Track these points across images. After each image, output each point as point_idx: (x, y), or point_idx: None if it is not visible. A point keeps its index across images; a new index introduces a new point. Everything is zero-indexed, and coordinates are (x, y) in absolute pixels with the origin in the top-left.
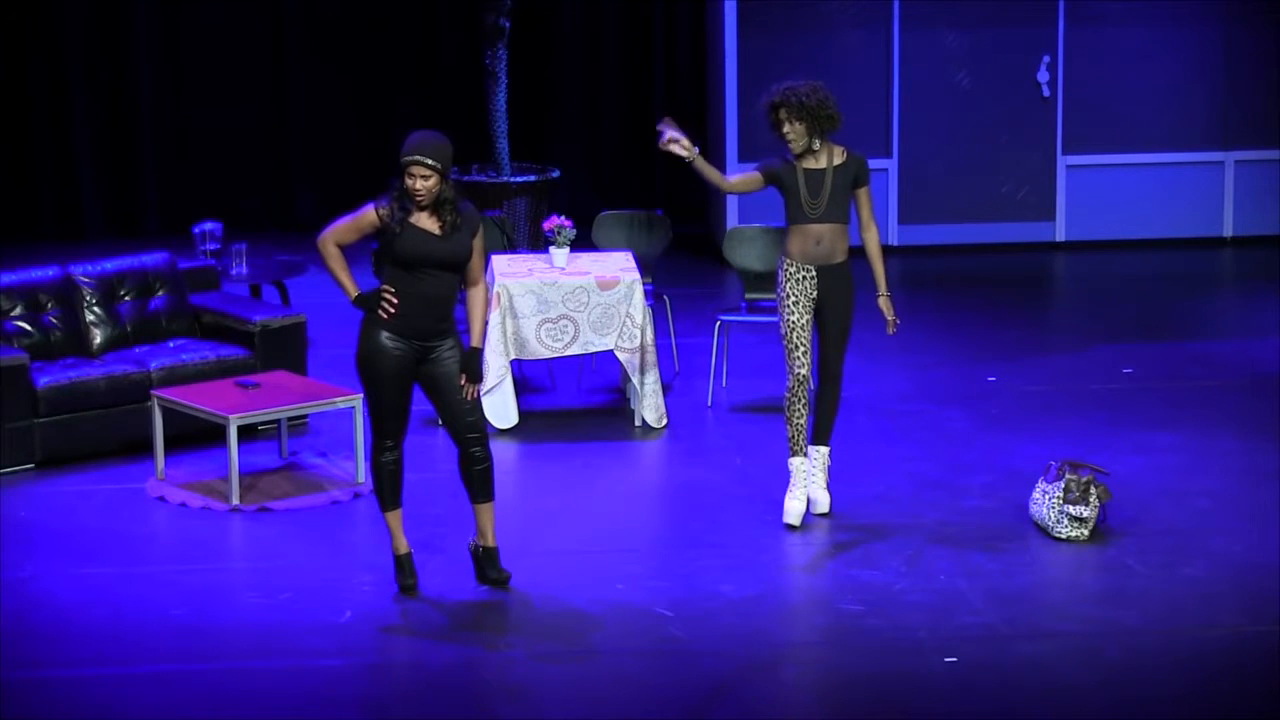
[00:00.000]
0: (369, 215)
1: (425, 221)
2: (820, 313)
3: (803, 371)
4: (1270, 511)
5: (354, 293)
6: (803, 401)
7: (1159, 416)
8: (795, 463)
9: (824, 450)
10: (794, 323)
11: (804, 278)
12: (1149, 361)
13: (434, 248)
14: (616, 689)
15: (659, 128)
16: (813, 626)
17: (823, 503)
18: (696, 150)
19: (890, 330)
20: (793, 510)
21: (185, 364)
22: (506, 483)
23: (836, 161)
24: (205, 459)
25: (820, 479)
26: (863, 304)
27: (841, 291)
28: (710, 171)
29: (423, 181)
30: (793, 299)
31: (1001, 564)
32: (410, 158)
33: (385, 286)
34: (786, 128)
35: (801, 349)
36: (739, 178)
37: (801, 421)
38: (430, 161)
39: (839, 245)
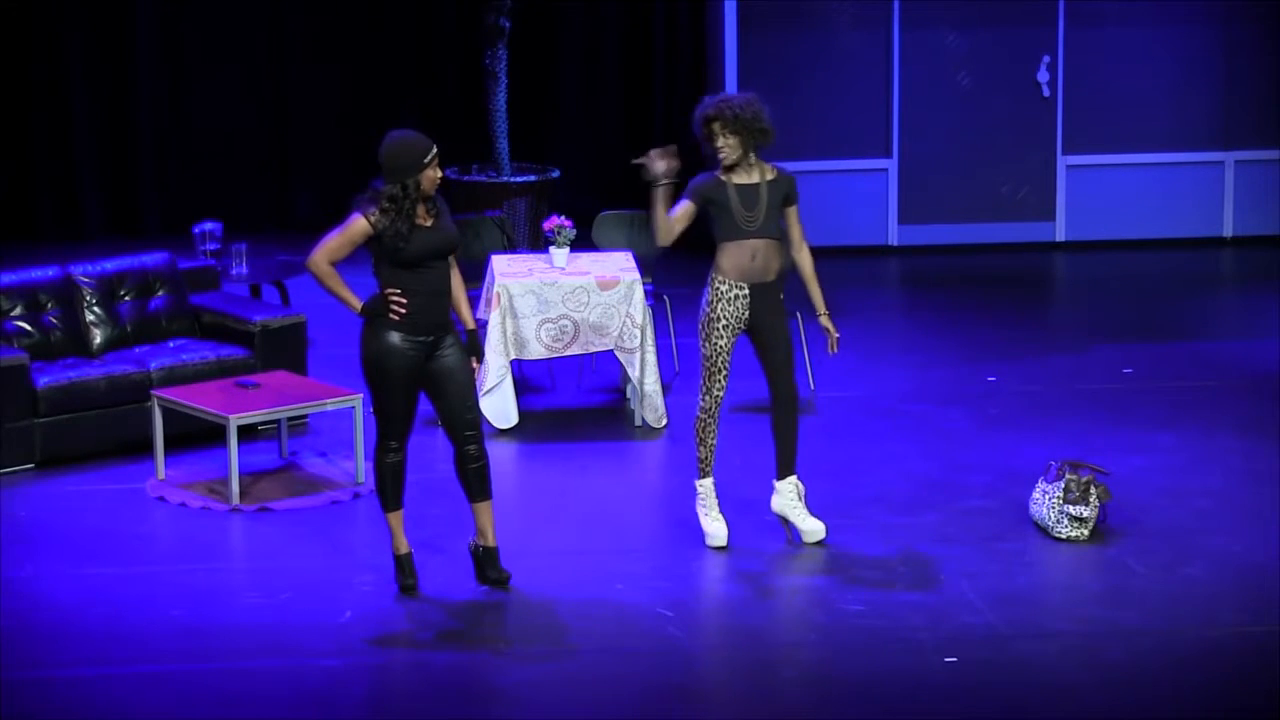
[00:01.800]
0: (361, 226)
1: (420, 216)
2: (755, 335)
3: (720, 395)
4: (1270, 511)
5: (358, 305)
6: (715, 424)
7: (1159, 416)
8: (708, 484)
9: (796, 481)
10: (721, 347)
11: (736, 297)
12: (1149, 361)
13: (434, 240)
14: (616, 689)
15: (654, 157)
16: (812, 626)
17: (818, 530)
18: (664, 178)
19: (832, 349)
20: (718, 532)
21: (185, 364)
22: (506, 483)
23: (769, 177)
24: (205, 459)
25: (801, 509)
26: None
27: (776, 309)
28: (661, 208)
29: (439, 172)
30: (723, 322)
31: (1001, 564)
32: (434, 153)
33: (389, 290)
34: (720, 141)
35: (723, 373)
36: (679, 213)
37: (713, 443)
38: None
39: (773, 262)
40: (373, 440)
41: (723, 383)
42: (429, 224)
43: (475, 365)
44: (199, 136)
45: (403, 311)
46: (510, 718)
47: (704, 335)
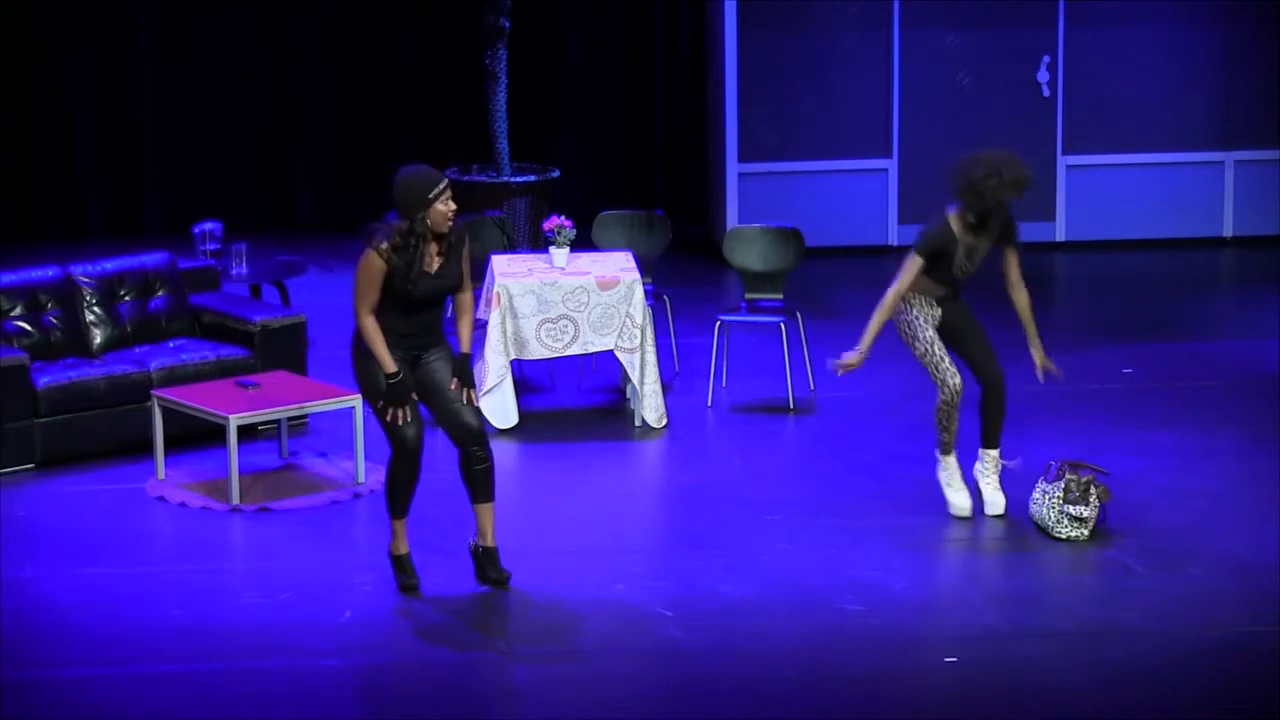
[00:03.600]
0: (376, 264)
1: (430, 256)
2: (951, 334)
3: (957, 380)
4: (1270, 511)
5: (391, 369)
6: (957, 411)
7: (1159, 416)
8: (950, 460)
9: (995, 454)
10: (931, 339)
11: (925, 304)
12: (1149, 361)
13: (438, 285)
14: (616, 689)
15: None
16: (813, 626)
17: (998, 503)
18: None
19: (1052, 374)
20: (963, 503)
21: (185, 364)
22: (506, 483)
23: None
24: (205, 459)
25: (994, 479)
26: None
27: (962, 306)
28: (877, 321)
29: (453, 204)
30: (922, 319)
31: (1001, 564)
32: (442, 187)
33: (408, 404)
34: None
35: (948, 360)
36: (908, 277)
37: (955, 428)
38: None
39: None
40: (372, 440)
41: (951, 368)
42: (434, 268)
43: (459, 388)
44: (199, 136)
45: (401, 422)
46: (510, 717)
47: (909, 339)
